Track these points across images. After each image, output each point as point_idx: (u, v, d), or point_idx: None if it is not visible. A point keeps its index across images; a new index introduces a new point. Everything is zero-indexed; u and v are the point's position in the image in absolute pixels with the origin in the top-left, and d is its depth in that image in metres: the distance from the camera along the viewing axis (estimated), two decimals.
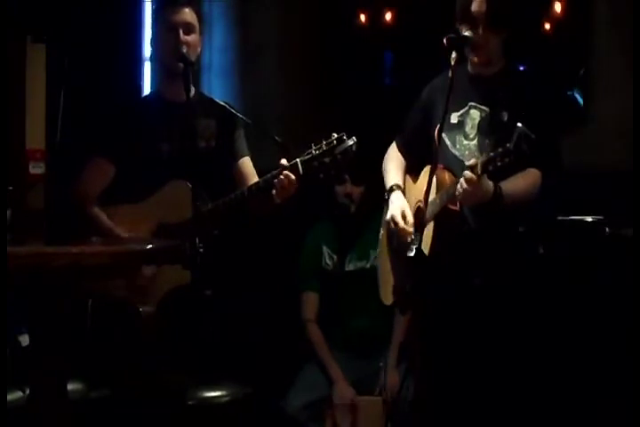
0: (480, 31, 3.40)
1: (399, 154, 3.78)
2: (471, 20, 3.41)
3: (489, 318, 3.45)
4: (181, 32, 3.72)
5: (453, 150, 3.53)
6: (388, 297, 3.72)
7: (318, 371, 4.29)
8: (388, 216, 3.58)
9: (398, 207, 3.57)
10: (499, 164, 3.09)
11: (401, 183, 3.68)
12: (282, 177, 3.52)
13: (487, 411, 3.46)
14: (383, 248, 3.81)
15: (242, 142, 3.89)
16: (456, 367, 3.49)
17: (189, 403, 3.71)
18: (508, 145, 3.06)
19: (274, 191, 3.55)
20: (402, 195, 3.63)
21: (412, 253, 3.10)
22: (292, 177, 3.52)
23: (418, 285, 3.13)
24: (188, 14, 3.77)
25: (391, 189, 3.65)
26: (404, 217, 3.53)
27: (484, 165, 3.13)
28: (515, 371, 3.49)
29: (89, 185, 3.79)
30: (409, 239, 3.51)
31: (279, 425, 4.21)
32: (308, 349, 4.36)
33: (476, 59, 3.47)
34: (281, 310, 4.64)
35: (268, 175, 3.59)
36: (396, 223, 3.54)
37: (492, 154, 3.13)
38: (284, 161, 3.56)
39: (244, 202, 3.63)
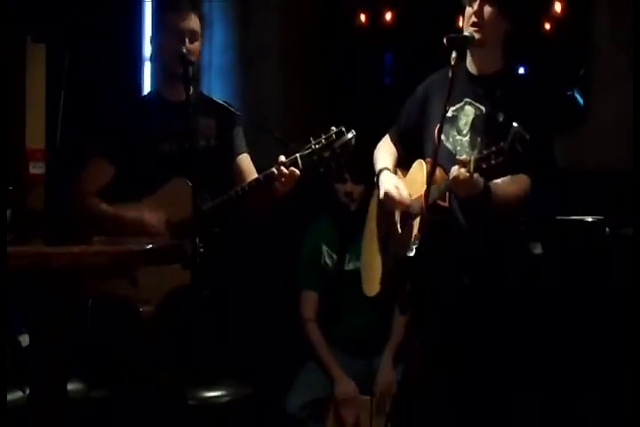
0: (476, 5, 3.42)
1: (392, 145, 3.77)
2: None
3: (482, 316, 3.45)
4: (187, 40, 3.72)
5: (447, 144, 3.53)
6: (371, 289, 3.72)
7: (318, 370, 4.29)
8: (381, 194, 3.55)
9: (391, 183, 3.54)
10: (492, 162, 3.10)
11: (390, 167, 3.67)
12: (282, 169, 3.54)
13: (485, 409, 3.46)
14: (369, 240, 3.81)
15: (240, 140, 3.90)
16: (454, 366, 3.49)
17: (189, 403, 3.71)
18: (502, 144, 3.07)
19: (276, 185, 3.57)
20: (391, 174, 3.61)
21: (411, 253, 3.10)
22: (294, 169, 3.54)
23: (416, 283, 3.13)
24: (193, 21, 3.76)
25: (380, 172, 3.63)
26: (398, 190, 3.51)
27: (477, 162, 3.14)
28: (514, 371, 3.49)
29: (88, 186, 3.79)
30: (400, 233, 3.52)
31: (279, 425, 4.21)
32: (308, 348, 4.36)
33: (473, 32, 3.43)
34: (281, 310, 4.64)
35: (268, 171, 3.60)
36: (391, 197, 3.51)
37: (485, 152, 3.13)
38: (282, 157, 3.57)
39: (244, 198, 3.64)
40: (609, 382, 4.18)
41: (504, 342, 3.47)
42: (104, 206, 3.75)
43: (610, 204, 4.36)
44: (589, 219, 4.37)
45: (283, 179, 3.56)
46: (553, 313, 4.18)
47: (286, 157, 3.59)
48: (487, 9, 3.43)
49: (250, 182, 3.67)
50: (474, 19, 3.43)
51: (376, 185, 3.66)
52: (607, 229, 4.30)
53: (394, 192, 3.51)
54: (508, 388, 3.48)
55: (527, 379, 3.63)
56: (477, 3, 3.44)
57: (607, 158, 4.78)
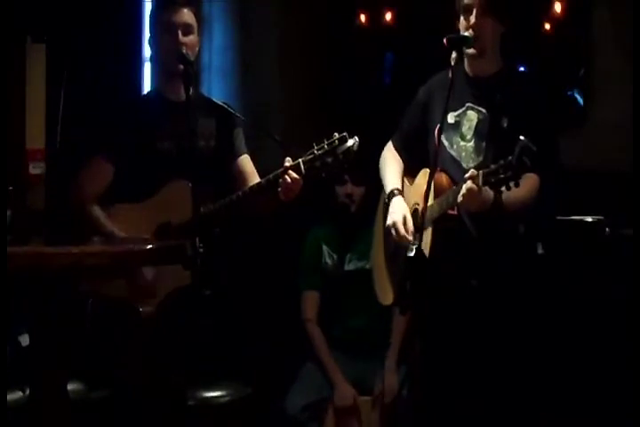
0: (473, 18, 3.41)
1: (396, 153, 3.77)
2: (465, 8, 3.43)
3: (489, 319, 3.45)
4: (180, 33, 3.72)
5: (451, 151, 3.53)
6: (385, 297, 3.72)
7: (318, 371, 4.29)
8: (390, 222, 3.57)
9: (400, 213, 3.56)
10: (501, 176, 3.08)
11: (400, 187, 3.68)
12: (286, 177, 3.52)
13: (487, 412, 3.45)
14: (379, 248, 3.81)
15: (240, 141, 3.90)
16: (456, 368, 3.49)
17: (189, 403, 3.71)
18: (510, 158, 3.04)
19: (279, 189, 3.56)
20: (402, 200, 3.62)
21: (412, 254, 3.10)
22: (296, 176, 3.52)
23: (417, 285, 3.13)
24: (186, 15, 3.77)
25: (392, 194, 3.65)
26: (404, 224, 3.53)
27: (486, 177, 3.13)
28: (515, 372, 3.49)
29: (88, 185, 3.78)
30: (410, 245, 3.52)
31: (279, 425, 4.21)
32: (308, 349, 4.36)
33: (471, 50, 3.45)
34: (281, 310, 4.64)
35: (271, 175, 3.59)
36: (397, 230, 3.54)
37: (493, 166, 3.11)
38: (287, 161, 3.56)
39: (245, 202, 3.63)
40: (609, 381, 4.18)
41: (506, 342, 3.47)
42: (96, 213, 3.74)
43: (610, 204, 4.36)
44: (589, 219, 4.37)
45: (287, 184, 3.54)
46: (553, 313, 4.18)
47: (291, 160, 3.57)
48: (484, 21, 3.42)
49: (251, 187, 3.66)
50: (471, 32, 3.42)
51: (385, 205, 3.66)
52: (607, 229, 4.30)
53: (400, 227, 3.53)
54: (509, 387, 3.48)
55: (527, 378, 3.63)
56: (474, 15, 3.42)
57: (607, 158, 4.77)
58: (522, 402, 3.54)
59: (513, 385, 3.49)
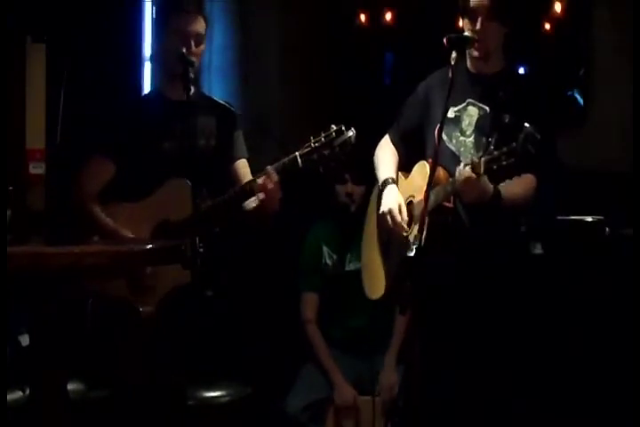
0: (479, 24, 3.41)
1: (392, 146, 3.77)
2: (471, 12, 3.42)
3: (487, 317, 3.45)
4: (193, 44, 3.71)
5: (450, 145, 3.52)
6: (374, 292, 3.72)
7: (318, 371, 4.29)
8: (385, 209, 3.55)
9: (395, 201, 3.54)
10: (503, 163, 3.06)
11: (394, 177, 3.67)
12: (260, 181, 3.52)
13: (485, 410, 3.45)
14: (370, 242, 3.80)
15: (240, 144, 3.88)
16: (455, 367, 3.49)
17: (189, 403, 3.71)
18: (514, 145, 3.03)
19: (260, 202, 3.55)
20: (396, 189, 3.61)
21: (411, 253, 3.09)
22: (272, 186, 3.51)
23: (417, 285, 3.12)
24: (199, 24, 3.74)
25: (385, 183, 3.63)
26: (400, 212, 3.52)
27: (488, 164, 3.11)
28: (514, 371, 3.49)
29: (89, 184, 3.78)
30: (404, 234, 3.52)
31: (279, 425, 4.21)
32: (307, 350, 4.36)
33: (475, 53, 3.45)
34: (281, 310, 4.64)
35: (245, 183, 3.59)
36: (392, 218, 3.52)
37: (495, 153, 3.09)
38: (268, 168, 3.55)
39: (244, 199, 3.63)
40: (609, 381, 4.18)
41: (505, 342, 3.46)
42: (97, 213, 3.74)
43: (610, 204, 4.36)
44: (589, 219, 4.37)
45: (266, 191, 3.53)
46: (553, 313, 4.18)
47: (286, 156, 3.57)
48: (490, 25, 3.41)
49: (242, 185, 3.65)
50: (476, 36, 3.41)
51: (378, 193, 3.65)
52: (607, 229, 4.30)
53: (396, 214, 3.51)
54: (509, 388, 3.48)
55: (527, 378, 3.63)
56: (479, 22, 3.40)
57: (607, 158, 4.78)
58: (521, 402, 3.54)
59: (513, 385, 3.49)
